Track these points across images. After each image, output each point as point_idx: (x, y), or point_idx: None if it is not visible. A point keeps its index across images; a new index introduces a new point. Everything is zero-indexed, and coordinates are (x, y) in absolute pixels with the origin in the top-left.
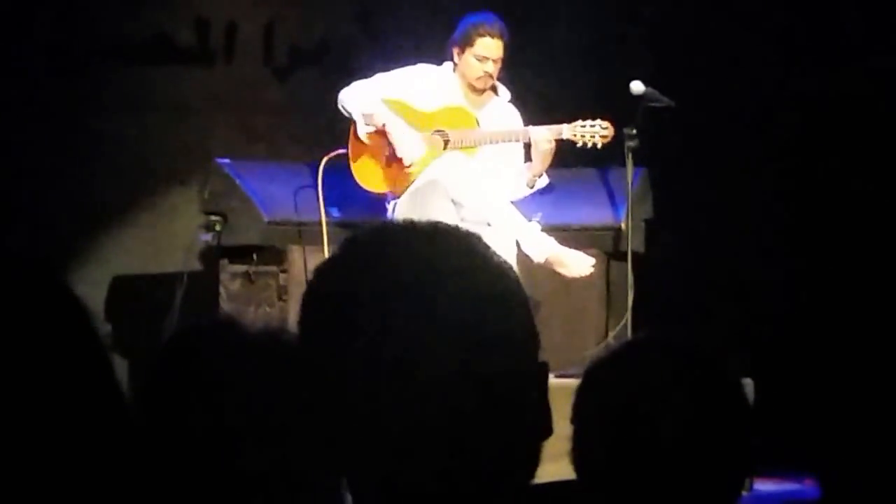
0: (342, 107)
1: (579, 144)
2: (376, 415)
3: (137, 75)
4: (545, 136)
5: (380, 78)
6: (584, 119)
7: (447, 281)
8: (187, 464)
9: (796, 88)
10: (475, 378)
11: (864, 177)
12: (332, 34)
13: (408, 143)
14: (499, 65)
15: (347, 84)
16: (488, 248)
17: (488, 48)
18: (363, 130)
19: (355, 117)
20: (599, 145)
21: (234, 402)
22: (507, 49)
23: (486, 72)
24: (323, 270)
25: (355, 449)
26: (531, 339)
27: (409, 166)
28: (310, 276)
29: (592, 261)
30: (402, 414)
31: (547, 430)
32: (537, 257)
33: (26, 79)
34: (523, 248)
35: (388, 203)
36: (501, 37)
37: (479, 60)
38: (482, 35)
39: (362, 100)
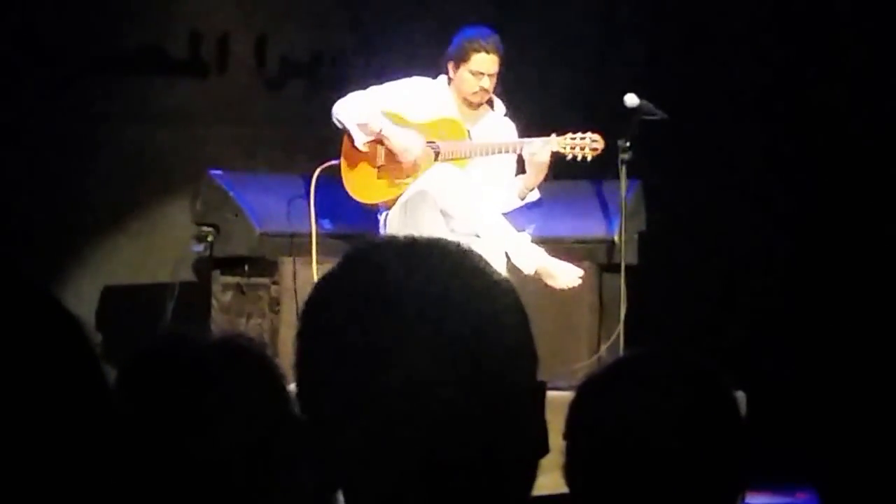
0: (336, 119)
1: (569, 157)
2: (373, 430)
3: (130, 86)
4: (538, 149)
5: (374, 90)
6: (574, 132)
7: (446, 297)
8: (170, 479)
9: (791, 100)
10: (473, 394)
11: (860, 190)
12: (324, 46)
13: (406, 143)
14: (494, 79)
15: (340, 96)
16: (488, 264)
17: (483, 63)
18: (361, 140)
19: (350, 128)
20: (589, 158)
21: (200, 416)
22: (503, 63)
23: (481, 87)
24: (323, 283)
25: (351, 464)
26: (530, 356)
27: (413, 164)
28: (303, 289)
29: (581, 272)
30: (398, 429)
31: (544, 448)
32: (526, 269)
33: (20, 89)
34: (512, 259)
35: (380, 215)
36: (497, 51)
37: (474, 75)
38: (477, 50)
39: (357, 111)
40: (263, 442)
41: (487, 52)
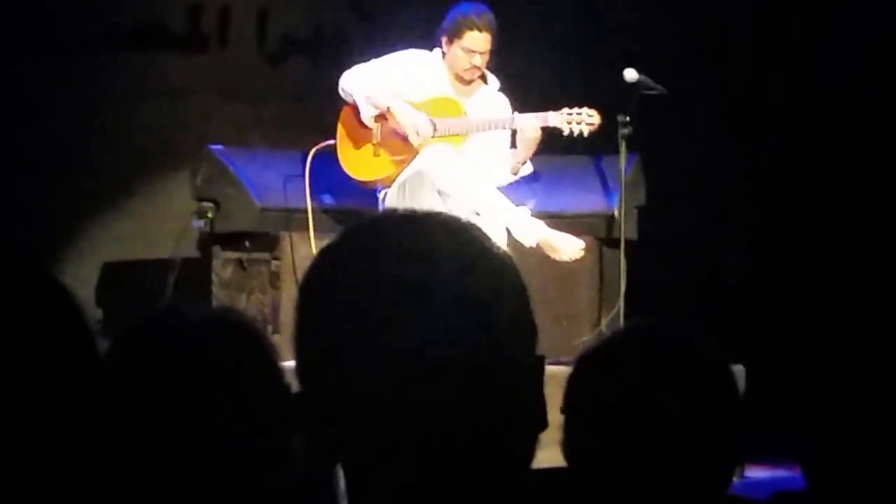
0: (343, 90)
1: (566, 133)
2: (372, 403)
3: (130, 61)
4: (531, 124)
5: (377, 63)
6: (571, 107)
7: (446, 270)
8: (162, 453)
9: (790, 74)
10: (472, 368)
11: (857, 163)
12: (325, 21)
13: (414, 123)
14: (486, 57)
15: (341, 71)
16: (488, 238)
17: (476, 41)
18: (368, 114)
19: (358, 101)
20: (586, 134)
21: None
22: (496, 40)
23: (473, 64)
24: (323, 256)
25: (351, 438)
26: (529, 330)
27: (417, 146)
28: (303, 264)
29: (583, 244)
30: (397, 402)
31: (543, 423)
32: (528, 242)
33: (17, 65)
34: (513, 233)
35: (379, 192)
36: (489, 30)
37: (466, 53)
38: (470, 28)
39: (364, 83)
40: (255, 416)
41: (480, 30)
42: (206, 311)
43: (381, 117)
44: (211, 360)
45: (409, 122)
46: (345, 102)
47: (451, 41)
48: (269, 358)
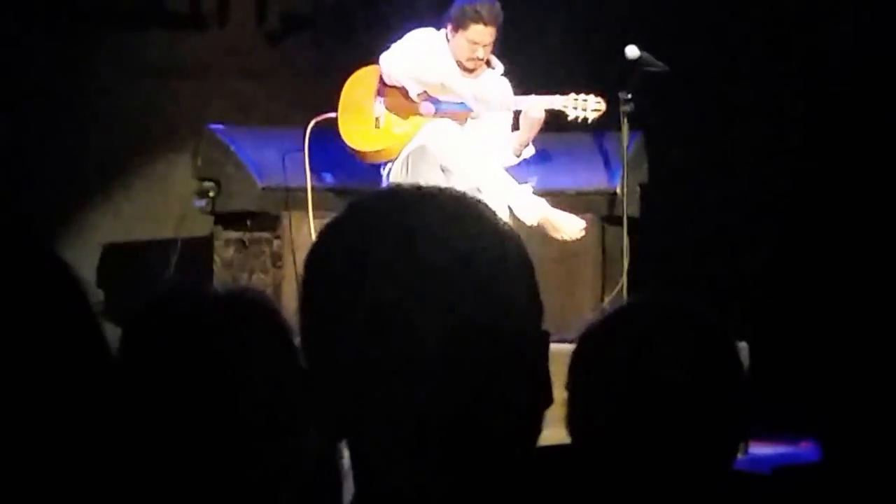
0: (387, 75)
1: (570, 118)
2: (376, 379)
3: (130, 40)
4: (536, 106)
5: (409, 43)
6: (577, 92)
7: (451, 245)
8: (176, 432)
9: (793, 51)
10: (477, 343)
11: (859, 140)
12: None
13: (472, 93)
14: (490, 48)
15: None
16: (494, 213)
17: (480, 34)
18: (415, 91)
19: (404, 82)
20: (591, 120)
21: (209, 368)
22: (500, 31)
23: (476, 56)
24: (328, 231)
25: (354, 414)
26: (534, 306)
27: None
28: (306, 242)
29: (583, 224)
30: (401, 378)
31: (548, 399)
32: (530, 220)
33: (17, 44)
34: (515, 212)
35: (383, 168)
36: (495, 23)
37: (469, 44)
38: (476, 21)
39: (408, 64)
40: (272, 395)
41: (486, 24)
42: (224, 289)
43: (392, 90)
44: (229, 339)
45: (468, 92)
46: (347, 76)
47: (455, 30)
48: (286, 337)
